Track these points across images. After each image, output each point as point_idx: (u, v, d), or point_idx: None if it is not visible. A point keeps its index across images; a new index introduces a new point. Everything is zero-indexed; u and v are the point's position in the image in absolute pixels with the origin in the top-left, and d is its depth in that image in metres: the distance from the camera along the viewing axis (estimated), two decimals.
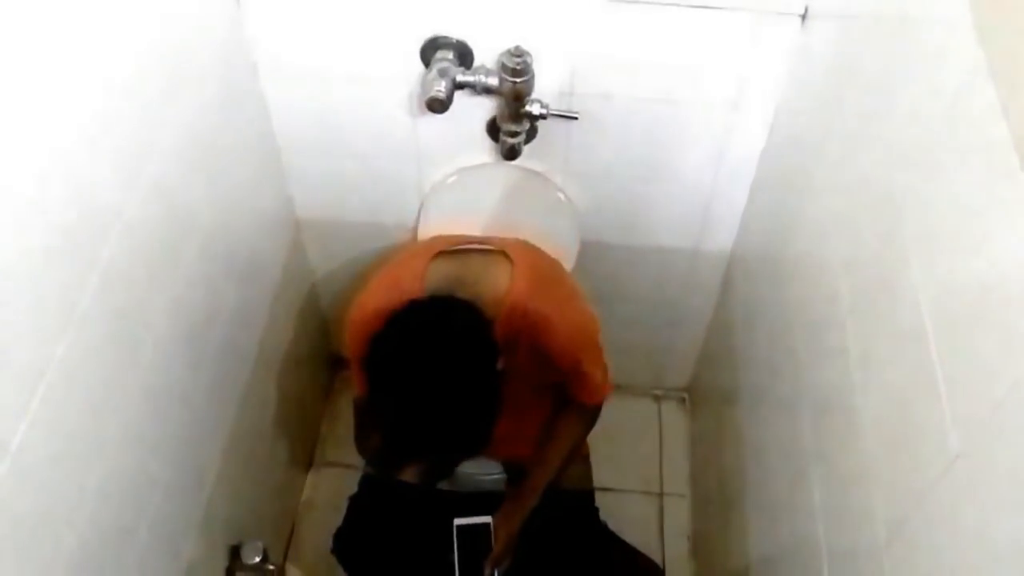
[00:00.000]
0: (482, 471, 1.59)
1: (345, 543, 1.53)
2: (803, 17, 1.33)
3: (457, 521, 1.41)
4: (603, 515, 1.58)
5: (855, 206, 1.08)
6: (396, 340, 1.13)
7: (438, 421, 1.10)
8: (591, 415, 1.48)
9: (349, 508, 1.55)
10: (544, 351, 1.30)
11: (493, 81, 1.42)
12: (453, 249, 1.31)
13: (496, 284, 1.26)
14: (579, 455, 1.58)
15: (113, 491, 1.11)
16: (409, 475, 1.48)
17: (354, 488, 1.58)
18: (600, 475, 1.65)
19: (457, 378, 1.11)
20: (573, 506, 1.54)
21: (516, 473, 1.52)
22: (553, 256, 1.43)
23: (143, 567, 1.21)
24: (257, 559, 1.53)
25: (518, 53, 1.39)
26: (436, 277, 1.26)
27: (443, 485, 1.56)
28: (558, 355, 1.31)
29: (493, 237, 1.36)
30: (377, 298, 1.29)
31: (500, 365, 1.16)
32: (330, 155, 1.65)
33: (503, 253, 1.30)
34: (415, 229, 1.71)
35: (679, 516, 2.02)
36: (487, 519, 1.42)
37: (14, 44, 0.86)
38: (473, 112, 1.53)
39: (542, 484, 1.46)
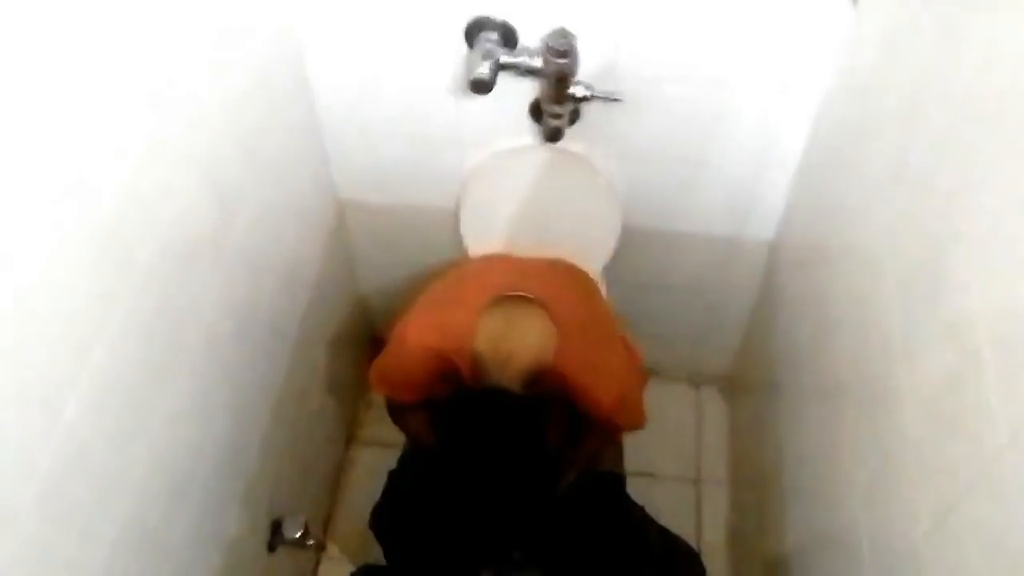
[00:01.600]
0: None
1: (383, 519, 1.55)
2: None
3: None
4: (640, 500, 1.58)
5: (904, 193, 1.06)
6: (458, 450, 1.19)
7: (499, 521, 1.18)
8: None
9: (388, 484, 1.57)
10: (587, 417, 1.34)
11: (537, 62, 1.41)
12: (501, 297, 1.34)
13: (541, 349, 1.29)
14: (611, 440, 1.59)
15: (160, 467, 1.14)
16: None
17: (392, 465, 1.60)
18: (638, 461, 1.65)
19: (518, 483, 1.17)
20: (604, 488, 1.55)
21: None
22: (595, 249, 1.46)
23: (187, 540, 1.24)
24: (298, 534, 1.56)
25: (563, 34, 1.38)
26: (484, 338, 1.29)
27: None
28: (601, 420, 1.36)
29: (538, 269, 1.41)
30: (425, 335, 1.33)
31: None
32: (373, 137, 1.66)
33: (548, 309, 1.32)
34: (457, 212, 1.71)
35: (717, 503, 2.01)
36: None
37: (62, 34, 0.87)
38: (516, 94, 1.52)
39: (571, 475, 1.48)
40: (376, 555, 1.56)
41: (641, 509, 1.57)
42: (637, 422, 1.45)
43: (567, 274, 1.45)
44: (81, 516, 0.97)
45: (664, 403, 2.12)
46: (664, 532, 1.58)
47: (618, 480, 1.59)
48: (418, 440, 1.54)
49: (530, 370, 1.27)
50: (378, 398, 2.13)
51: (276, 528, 1.57)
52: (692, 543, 1.83)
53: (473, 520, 1.20)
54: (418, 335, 1.34)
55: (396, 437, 1.62)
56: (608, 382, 1.33)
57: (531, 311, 1.32)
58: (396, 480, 1.57)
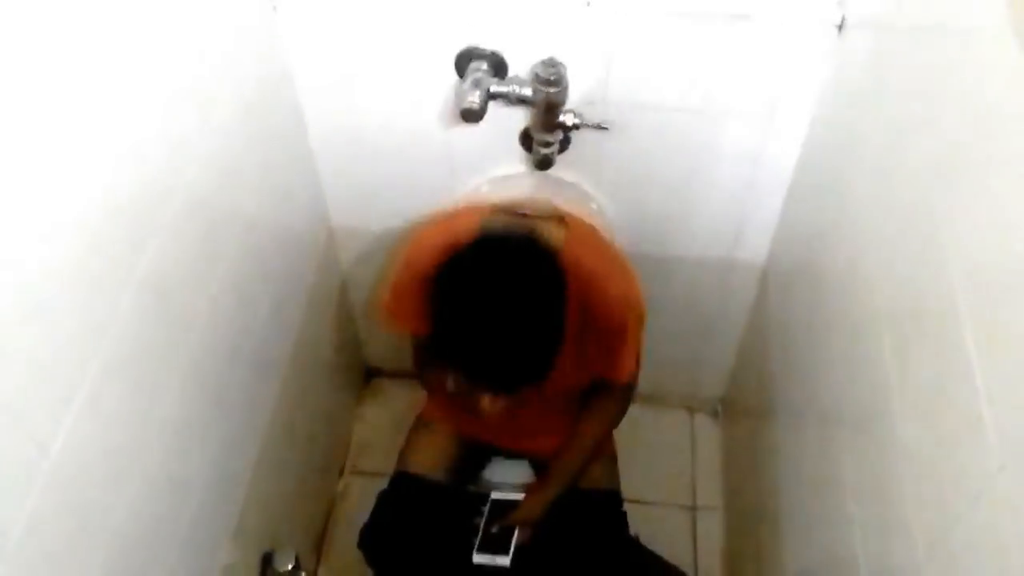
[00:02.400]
0: (510, 478, 1.63)
1: (372, 538, 1.54)
2: (840, 27, 1.32)
3: (494, 495, 1.50)
4: (635, 528, 1.57)
5: (892, 217, 1.07)
6: (470, 265, 1.14)
7: (510, 347, 1.11)
8: (620, 400, 1.49)
9: (378, 503, 1.56)
10: (591, 311, 1.29)
11: (527, 91, 1.42)
12: (508, 208, 1.33)
13: (552, 239, 1.27)
14: (605, 454, 1.58)
15: (148, 498, 1.12)
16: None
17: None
18: (633, 488, 1.64)
19: (529, 304, 1.12)
20: (599, 505, 1.54)
21: (543, 469, 1.55)
22: None
23: (176, 574, 1.22)
24: (289, 567, 1.54)
25: (552, 64, 1.39)
26: (492, 226, 1.28)
27: (471, 487, 1.62)
28: (605, 315, 1.31)
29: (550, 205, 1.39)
30: (434, 235, 1.31)
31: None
32: (364, 164, 1.67)
33: (559, 218, 1.32)
34: None
35: (712, 530, 1.99)
36: (520, 495, 1.49)
37: (57, 56, 0.87)
38: (507, 122, 1.53)
39: (572, 467, 1.47)
40: None
41: (636, 539, 1.56)
42: (633, 362, 1.41)
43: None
44: (68, 552, 0.95)
45: (658, 429, 2.11)
46: (659, 560, 1.57)
47: (616, 498, 1.58)
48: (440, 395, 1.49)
49: None
50: (370, 430, 2.13)
51: (267, 561, 1.55)
52: (688, 572, 1.82)
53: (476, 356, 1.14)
54: (427, 236, 1.32)
55: (388, 466, 1.61)
56: (617, 274, 1.33)
57: (539, 215, 1.34)
58: (386, 500, 1.56)
